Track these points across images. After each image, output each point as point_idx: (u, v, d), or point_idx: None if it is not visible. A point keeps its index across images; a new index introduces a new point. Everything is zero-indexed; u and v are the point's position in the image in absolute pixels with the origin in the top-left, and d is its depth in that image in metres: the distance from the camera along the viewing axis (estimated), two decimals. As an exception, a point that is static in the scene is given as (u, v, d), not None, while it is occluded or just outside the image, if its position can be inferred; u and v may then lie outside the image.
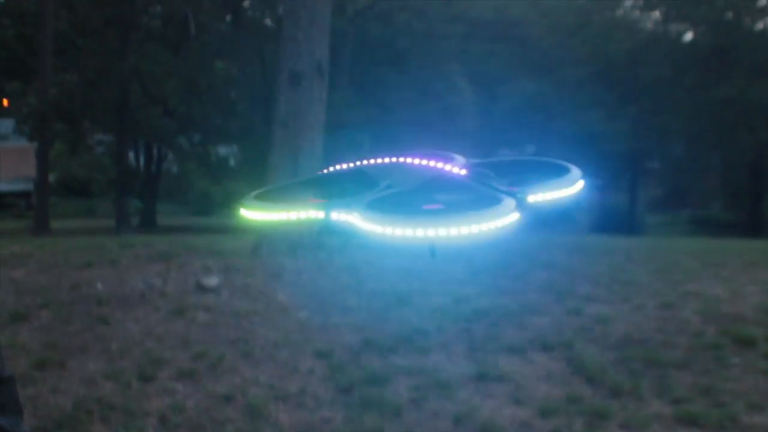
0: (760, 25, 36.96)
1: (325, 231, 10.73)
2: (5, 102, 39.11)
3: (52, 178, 34.22)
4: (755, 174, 36.83)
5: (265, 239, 11.12)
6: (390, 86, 29.39)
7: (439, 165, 2.48)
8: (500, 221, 2.52)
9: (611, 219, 37.75)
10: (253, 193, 2.37)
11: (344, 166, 2.59)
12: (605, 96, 34.53)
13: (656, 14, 39.27)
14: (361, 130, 26.39)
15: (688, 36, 38.68)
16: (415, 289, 9.16)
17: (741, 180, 38.43)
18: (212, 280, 9.07)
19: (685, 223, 40.78)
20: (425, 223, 2.36)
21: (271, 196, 2.41)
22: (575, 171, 2.47)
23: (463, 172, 2.46)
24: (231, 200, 42.46)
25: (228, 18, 32.14)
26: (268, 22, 32.24)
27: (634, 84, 35.91)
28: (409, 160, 2.61)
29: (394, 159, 2.63)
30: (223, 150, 40.23)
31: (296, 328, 8.08)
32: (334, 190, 2.56)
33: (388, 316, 8.42)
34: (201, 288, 8.95)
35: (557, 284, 9.77)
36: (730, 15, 35.92)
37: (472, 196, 2.46)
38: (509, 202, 2.24)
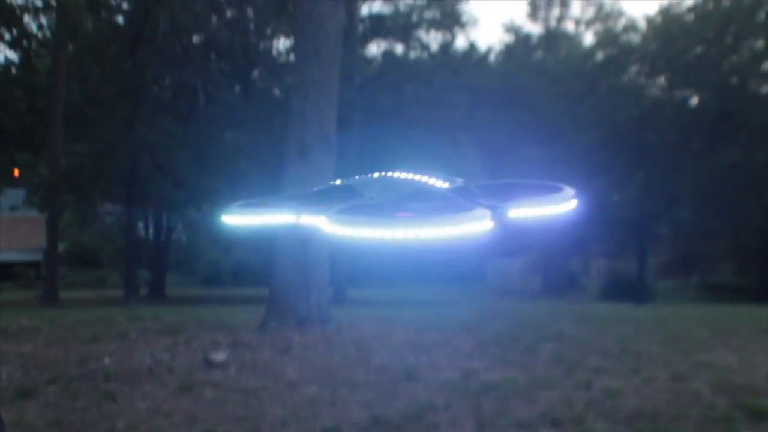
0: (765, 89, 37.22)
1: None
2: (16, 172, 39.39)
3: (61, 247, 34.32)
4: (764, 238, 36.72)
5: (273, 313, 11.11)
6: (398, 154, 29.52)
7: (423, 179, 2.60)
8: (469, 228, 2.62)
9: (620, 285, 37.64)
10: (236, 203, 2.50)
11: (336, 182, 2.73)
12: (612, 162, 34.66)
13: (661, 80, 39.58)
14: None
15: (694, 100, 38.94)
16: (424, 363, 9.10)
17: (750, 244, 38.30)
18: (220, 356, 9.04)
19: (695, 289, 40.59)
20: (391, 226, 2.48)
21: (254, 205, 2.54)
22: (567, 191, 2.54)
23: (446, 185, 2.57)
24: (240, 270, 42.31)
25: (237, 89, 32.52)
26: (276, 92, 32.61)
27: (641, 149, 36.03)
28: (395, 174, 2.73)
29: (382, 173, 2.75)
30: (232, 220, 40.27)
31: (304, 404, 8.02)
32: (317, 202, 2.68)
33: (396, 391, 8.36)
34: (209, 363, 8.92)
35: (566, 356, 9.71)
36: (735, 80, 36.19)
37: (448, 206, 2.56)
38: (482, 212, 2.33)
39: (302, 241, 11.26)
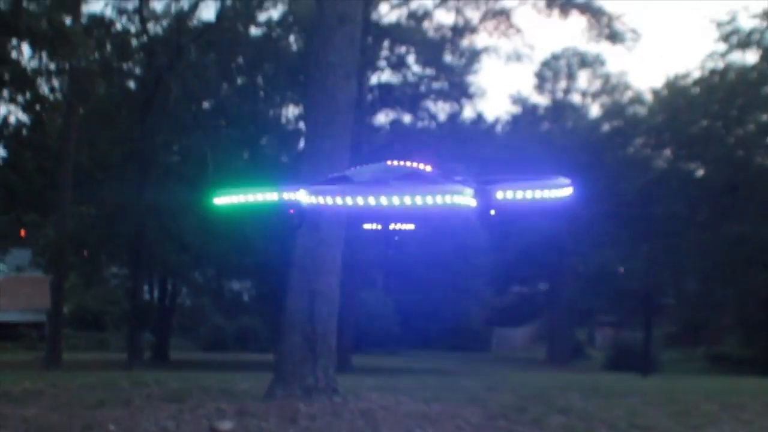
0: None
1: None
2: (23, 232, 39.50)
3: (65, 309, 34.28)
4: (770, 309, 36.57)
5: (279, 381, 11.06)
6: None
7: (409, 164, 2.80)
8: (451, 199, 2.85)
9: (625, 355, 37.44)
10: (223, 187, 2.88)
11: (332, 175, 3.06)
12: (618, 234, 34.69)
13: (667, 152, 39.79)
14: (375, 267, 26.47)
15: (700, 172, 39.07)
16: (431, 435, 9.04)
17: (756, 316, 38.11)
18: (226, 425, 8.98)
19: (701, 360, 40.36)
20: (365, 196, 2.75)
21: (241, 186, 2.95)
22: (562, 180, 2.72)
23: (428, 168, 2.78)
24: (244, 335, 42.11)
25: (245, 155, 32.76)
26: (285, 159, 32.84)
27: (647, 221, 36.08)
28: (388, 162, 3.01)
29: (380, 162, 3.06)
30: (237, 285, 40.34)
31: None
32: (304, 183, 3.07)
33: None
34: (214, 432, 8.86)
35: (575, 430, 9.63)
36: (740, 153, 36.33)
37: (430, 184, 2.78)
38: (463, 189, 2.52)
39: (310, 309, 11.26)
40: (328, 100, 12.04)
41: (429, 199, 3.33)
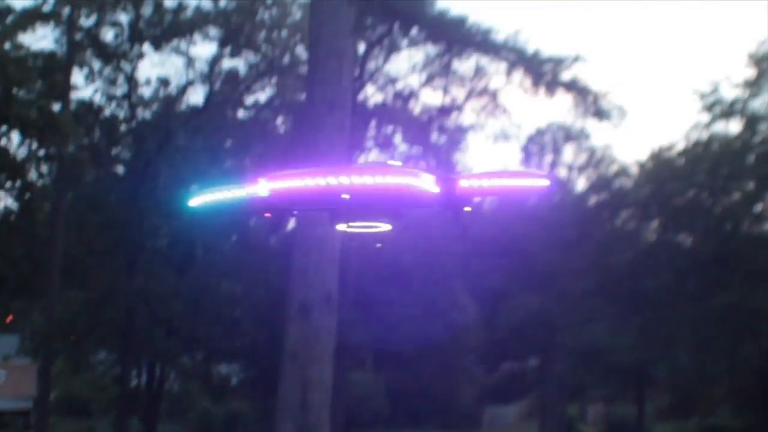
0: (758, 231, 37.37)
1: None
2: (9, 319, 39.13)
3: (52, 396, 33.83)
4: (763, 379, 36.37)
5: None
6: (394, 304, 29.59)
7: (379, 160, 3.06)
8: (408, 181, 3.09)
9: (618, 430, 37.19)
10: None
11: None
12: (608, 308, 34.61)
13: (655, 224, 39.86)
14: (365, 349, 26.32)
15: (688, 243, 39.10)
16: None
17: (748, 386, 37.93)
18: None
19: (694, 431, 40.13)
20: (330, 175, 3.04)
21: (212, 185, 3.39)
22: (535, 173, 2.90)
23: (399, 163, 3.02)
24: (232, 420, 41.62)
25: (234, 238, 32.76)
26: (273, 241, 32.87)
27: (636, 294, 36.01)
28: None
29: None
30: (225, 368, 39.95)
31: None
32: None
33: None
34: None
35: None
36: (727, 223, 36.39)
37: (394, 171, 3.06)
38: (425, 174, 2.75)
39: (303, 398, 11.17)
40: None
41: (389, 179, 3.45)
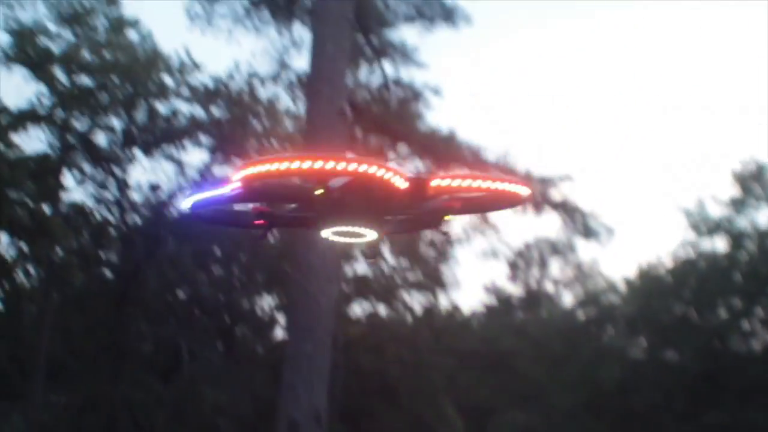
0: (745, 348, 37.30)
1: None
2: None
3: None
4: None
5: None
6: (380, 418, 29.32)
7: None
8: (378, 172, 3.38)
9: None
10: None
11: None
12: (596, 424, 34.30)
13: (642, 341, 39.81)
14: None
15: (675, 360, 38.97)
16: None
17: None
18: None
19: None
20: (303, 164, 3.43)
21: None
22: (515, 178, 3.09)
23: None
24: None
25: (219, 346, 32.54)
26: (259, 350, 32.65)
27: (625, 411, 35.72)
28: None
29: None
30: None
31: None
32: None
33: None
34: None
35: None
36: (715, 340, 36.37)
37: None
38: (398, 171, 3.05)
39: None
40: (311, 302, 12.12)
41: (362, 167, 3.57)
